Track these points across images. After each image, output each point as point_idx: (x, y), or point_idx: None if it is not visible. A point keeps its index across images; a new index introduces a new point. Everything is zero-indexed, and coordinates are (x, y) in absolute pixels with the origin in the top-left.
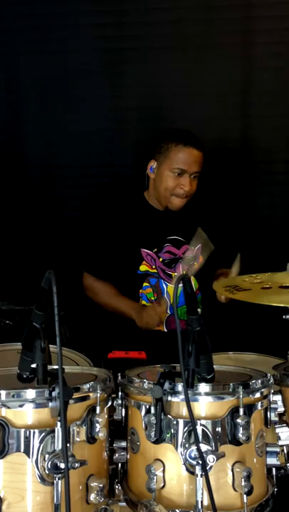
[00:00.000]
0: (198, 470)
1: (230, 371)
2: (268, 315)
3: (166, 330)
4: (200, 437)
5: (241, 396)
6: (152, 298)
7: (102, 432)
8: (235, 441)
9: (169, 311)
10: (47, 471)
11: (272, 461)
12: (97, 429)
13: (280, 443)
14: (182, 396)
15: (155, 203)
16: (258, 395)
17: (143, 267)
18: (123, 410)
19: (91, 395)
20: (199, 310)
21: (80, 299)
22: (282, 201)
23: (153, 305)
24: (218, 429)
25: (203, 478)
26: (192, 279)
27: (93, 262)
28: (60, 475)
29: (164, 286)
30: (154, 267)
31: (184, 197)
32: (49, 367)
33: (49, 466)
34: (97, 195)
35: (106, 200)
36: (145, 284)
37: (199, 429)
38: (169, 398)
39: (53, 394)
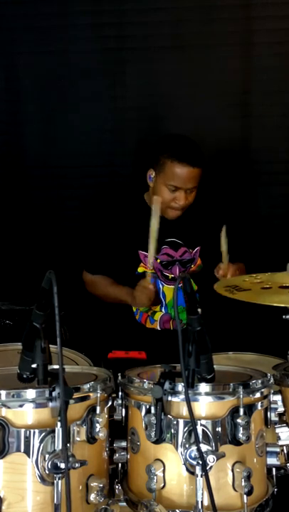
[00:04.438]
0: (198, 470)
1: (230, 371)
2: (268, 315)
3: (159, 328)
4: (200, 437)
5: (241, 396)
6: None
7: (102, 432)
8: (236, 441)
9: (163, 310)
10: (47, 471)
11: (272, 461)
12: (97, 429)
13: (280, 443)
14: (182, 396)
15: None
16: (258, 395)
17: (141, 269)
18: (123, 410)
19: (91, 395)
20: (199, 310)
21: (80, 299)
22: (282, 201)
23: (139, 284)
24: (219, 429)
25: (204, 478)
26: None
27: (91, 261)
28: (60, 475)
29: (160, 286)
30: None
31: (178, 210)
32: (49, 367)
33: (49, 466)
34: (97, 195)
35: (106, 201)
36: None
37: (199, 429)
38: (169, 398)
39: (53, 394)
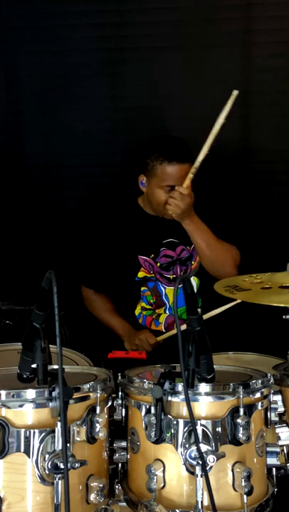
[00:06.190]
0: (198, 470)
1: (230, 371)
2: (268, 315)
3: (164, 330)
4: (200, 437)
5: (241, 396)
6: (152, 300)
7: (102, 432)
8: (236, 442)
9: (168, 312)
10: (47, 471)
11: (272, 461)
12: (97, 429)
13: (280, 443)
14: (182, 396)
15: (150, 210)
16: (258, 395)
17: (141, 274)
18: (123, 410)
19: (91, 395)
20: (199, 310)
21: (80, 299)
22: (282, 201)
23: (147, 332)
24: (219, 429)
25: (204, 478)
26: (195, 279)
27: (90, 276)
28: (60, 475)
29: (162, 288)
30: (151, 272)
31: None
32: (49, 367)
33: (49, 466)
34: (97, 195)
35: (101, 208)
36: (143, 288)
37: (199, 429)
38: (169, 398)
39: (53, 394)
